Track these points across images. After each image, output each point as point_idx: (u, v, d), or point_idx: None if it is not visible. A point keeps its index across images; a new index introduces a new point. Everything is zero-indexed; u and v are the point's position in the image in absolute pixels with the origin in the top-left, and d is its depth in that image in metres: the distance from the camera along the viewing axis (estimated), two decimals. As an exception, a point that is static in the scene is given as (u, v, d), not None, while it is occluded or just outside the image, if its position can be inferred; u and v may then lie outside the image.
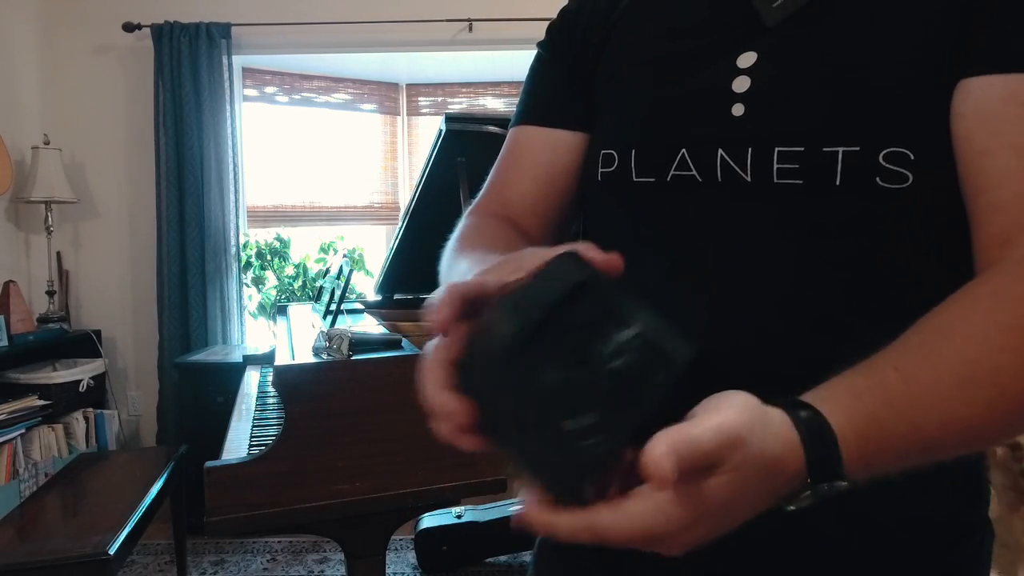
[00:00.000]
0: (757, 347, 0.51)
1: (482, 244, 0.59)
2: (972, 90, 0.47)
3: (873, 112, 0.49)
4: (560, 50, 0.67)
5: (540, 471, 0.34)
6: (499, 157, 0.70)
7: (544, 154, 0.66)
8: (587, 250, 0.37)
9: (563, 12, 0.69)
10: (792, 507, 0.38)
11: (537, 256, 0.39)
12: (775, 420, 0.37)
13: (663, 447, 0.32)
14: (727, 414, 0.35)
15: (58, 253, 3.09)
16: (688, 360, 0.34)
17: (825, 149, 0.49)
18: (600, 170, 0.60)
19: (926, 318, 0.43)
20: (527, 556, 2.46)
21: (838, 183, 0.49)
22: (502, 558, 2.45)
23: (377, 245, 3.64)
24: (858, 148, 0.48)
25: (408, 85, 3.57)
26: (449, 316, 0.35)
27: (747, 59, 0.53)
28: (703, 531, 0.35)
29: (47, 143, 2.89)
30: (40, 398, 2.55)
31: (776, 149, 0.50)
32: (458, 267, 0.56)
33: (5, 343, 2.55)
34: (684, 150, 0.54)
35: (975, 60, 0.47)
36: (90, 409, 2.83)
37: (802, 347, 0.51)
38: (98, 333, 3.05)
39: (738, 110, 0.53)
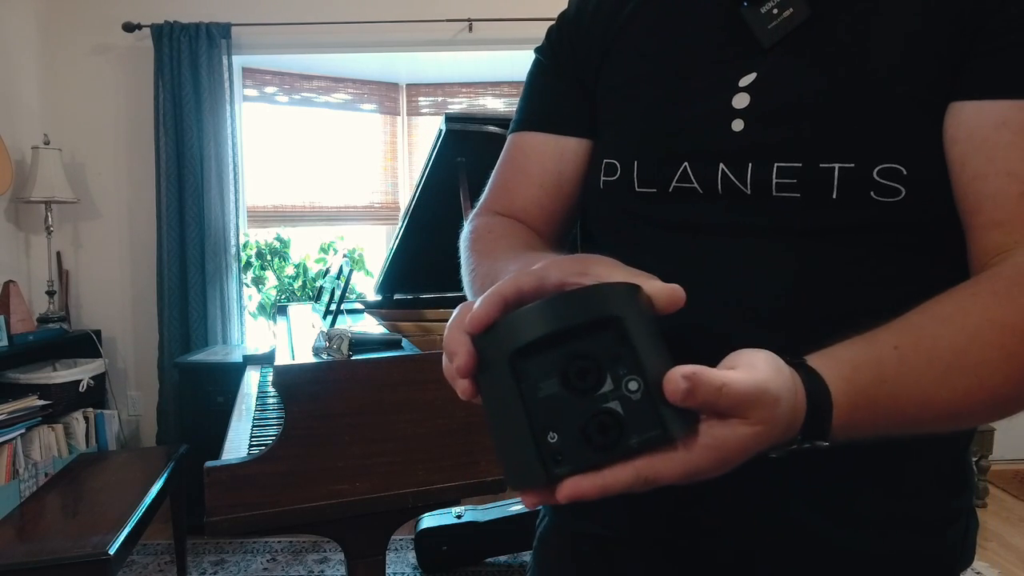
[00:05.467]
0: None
1: (507, 242, 0.60)
2: (965, 115, 0.49)
3: (867, 130, 0.50)
4: (561, 57, 0.67)
5: (504, 452, 0.36)
6: (500, 163, 0.70)
7: (551, 162, 0.66)
8: (649, 282, 0.39)
9: (562, 17, 0.69)
10: (773, 455, 0.41)
11: (604, 266, 0.41)
12: (794, 386, 0.40)
13: (687, 370, 0.34)
14: (765, 372, 0.37)
15: (58, 253, 3.09)
16: (675, 441, 0.35)
17: (822, 165, 0.51)
18: (602, 178, 0.61)
19: (930, 302, 0.46)
20: (527, 556, 2.46)
21: (835, 197, 0.51)
22: (502, 558, 2.45)
23: (377, 245, 3.64)
24: (853, 165, 0.50)
25: (408, 85, 3.57)
26: (487, 319, 0.36)
27: (747, 77, 0.55)
28: (711, 467, 0.37)
29: (47, 143, 2.88)
30: (40, 398, 2.55)
31: (775, 164, 0.52)
32: (488, 263, 0.57)
33: (5, 343, 2.55)
34: (686, 163, 0.56)
35: (968, 84, 0.49)
36: (90, 409, 2.83)
37: (798, 351, 0.51)
38: (98, 333, 3.05)
39: (738, 125, 0.54)
